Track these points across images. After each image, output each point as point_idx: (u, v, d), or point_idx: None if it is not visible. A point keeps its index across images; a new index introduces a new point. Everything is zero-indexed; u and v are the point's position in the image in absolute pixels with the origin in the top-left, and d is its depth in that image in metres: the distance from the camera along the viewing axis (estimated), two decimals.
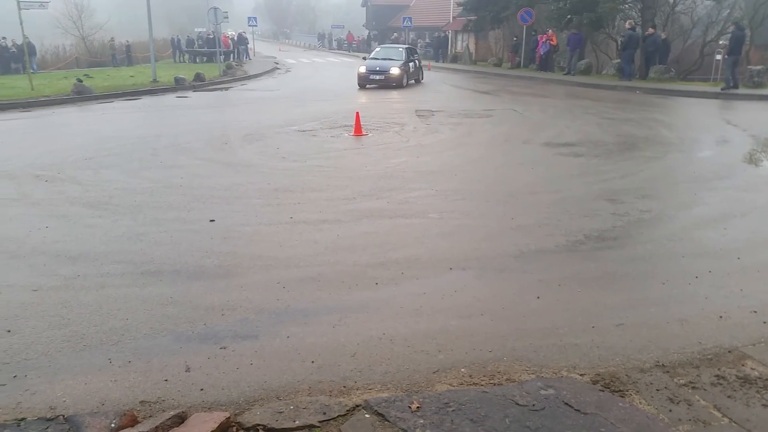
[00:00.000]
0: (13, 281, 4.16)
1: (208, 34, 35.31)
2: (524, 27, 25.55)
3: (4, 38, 28.85)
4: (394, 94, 17.70)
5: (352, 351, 3.17)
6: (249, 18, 39.64)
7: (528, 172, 7.45)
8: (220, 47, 26.77)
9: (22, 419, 2.59)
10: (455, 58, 34.53)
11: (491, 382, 2.85)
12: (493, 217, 5.59)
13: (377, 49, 23.20)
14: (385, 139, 9.89)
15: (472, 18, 30.34)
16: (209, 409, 2.67)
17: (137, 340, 3.33)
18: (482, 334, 3.33)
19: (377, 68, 19.73)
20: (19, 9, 16.47)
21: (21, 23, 16.80)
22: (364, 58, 21.42)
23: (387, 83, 19.40)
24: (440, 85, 21.39)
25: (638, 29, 19.99)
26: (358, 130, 10.32)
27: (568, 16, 22.53)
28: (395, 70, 19.53)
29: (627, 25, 19.60)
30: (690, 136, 9.95)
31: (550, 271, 4.24)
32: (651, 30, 19.26)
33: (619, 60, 20.57)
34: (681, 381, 2.84)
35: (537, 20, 25.48)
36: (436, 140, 9.83)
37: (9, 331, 3.43)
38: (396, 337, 3.31)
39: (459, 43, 37.51)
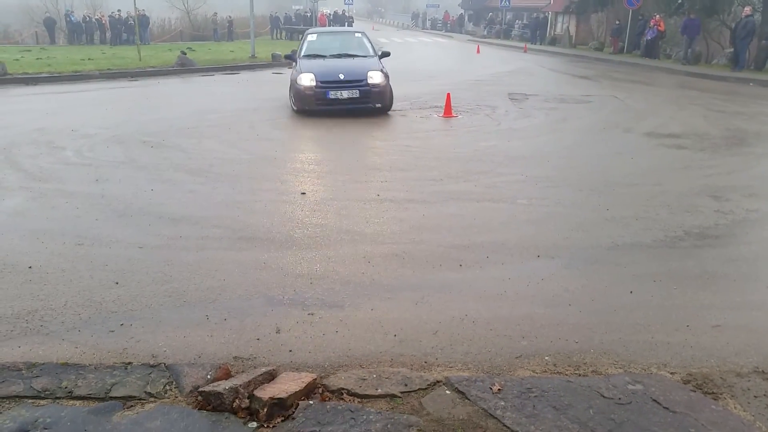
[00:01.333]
0: (121, 237, 4.50)
1: (305, 12, 36.01)
2: (630, 11, 24.23)
3: (119, 11, 30.78)
4: (486, 75, 17.34)
5: (433, 329, 3.21)
6: None
7: (626, 163, 7.13)
8: (316, 25, 27.24)
9: (129, 363, 2.83)
10: (554, 41, 33.34)
11: (576, 372, 2.80)
12: (587, 206, 5.41)
13: (310, 37, 11.87)
14: (475, 122, 9.77)
15: None
16: (297, 369, 2.79)
17: (232, 300, 3.52)
18: (569, 325, 3.26)
19: (341, 75, 10.15)
20: None
21: None
22: (288, 57, 12.17)
23: (365, 101, 10.17)
24: (536, 68, 20.74)
25: (757, 16, 18.47)
26: (448, 112, 10.25)
27: (679, 1, 21.12)
28: (377, 76, 10.26)
29: (746, 11, 18.11)
30: None
31: (645, 266, 4.07)
32: (747, 10, 17.75)
33: (731, 49, 19.11)
34: None
35: (644, 4, 24.07)
36: (528, 125, 9.60)
37: (117, 283, 3.72)
38: (478, 320, 3.31)
39: (559, 25, 36.14)
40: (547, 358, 2.93)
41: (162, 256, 4.15)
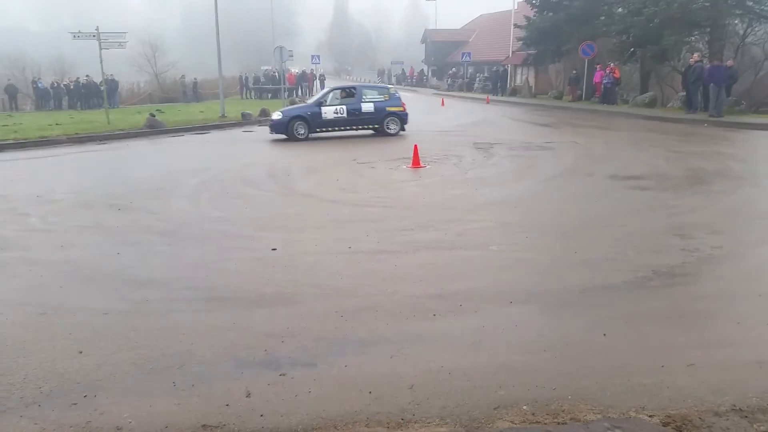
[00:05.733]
0: (86, 305, 4.36)
1: (273, 72, 36.61)
2: (586, 60, 25.26)
3: (87, 76, 30.89)
4: (451, 126, 17.72)
5: (409, 383, 3.14)
6: (312, 56, 40.85)
7: (592, 206, 7.27)
8: (284, 84, 27.70)
9: None
10: (514, 92, 34.41)
11: (555, 420, 2.75)
12: (556, 250, 5.46)
13: None
14: (443, 171, 9.90)
15: (532, 52, 30.27)
16: None
17: (201, 365, 3.41)
18: (545, 371, 3.23)
19: None
20: (100, 48, 17.64)
21: (101, 62, 17.98)
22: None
23: None
24: (499, 118, 21.30)
25: (705, 61, 19.40)
26: (416, 162, 10.38)
27: (632, 49, 22.13)
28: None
29: (695, 58, 19.04)
30: (763, 171, 9.49)
31: (616, 308, 4.08)
32: (730, 63, 18.68)
33: (684, 92, 19.97)
34: (762, 428, 2.66)
35: (599, 53, 25.15)
36: (495, 172, 9.77)
37: (81, 353, 3.58)
38: (455, 371, 3.25)
39: (518, 76, 37.43)
40: (525, 407, 2.88)
41: (128, 322, 4.02)
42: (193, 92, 37.17)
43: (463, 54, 40.02)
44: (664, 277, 4.67)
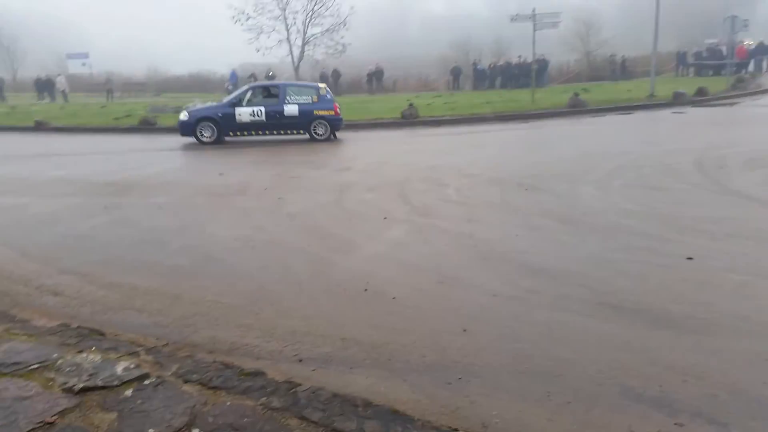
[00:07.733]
0: (478, 282, 4.40)
1: (718, 46, 32.05)
2: None
3: (519, 57, 32.90)
4: None
5: None
6: None
7: None
8: (731, 59, 23.88)
9: (455, 430, 2.59)
10: None
11: None
12: None
13: None
14: None
15: None
16: None
17: (581, 381, 3.00)
18: None
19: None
20: (534, 30, 18.34)
21: (533, 42, 18.66)
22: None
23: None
24: None
25: None
26: None
27: None
28: None
29: None
30: None
31: None
32: None
33: None
34: None
35: None
36: None
37: (465, 331, 3.59)
38: None
39: None
40: None
41: (513, 310, 3.88)
42: (622, 70, 35.70)
43: None
44: None
